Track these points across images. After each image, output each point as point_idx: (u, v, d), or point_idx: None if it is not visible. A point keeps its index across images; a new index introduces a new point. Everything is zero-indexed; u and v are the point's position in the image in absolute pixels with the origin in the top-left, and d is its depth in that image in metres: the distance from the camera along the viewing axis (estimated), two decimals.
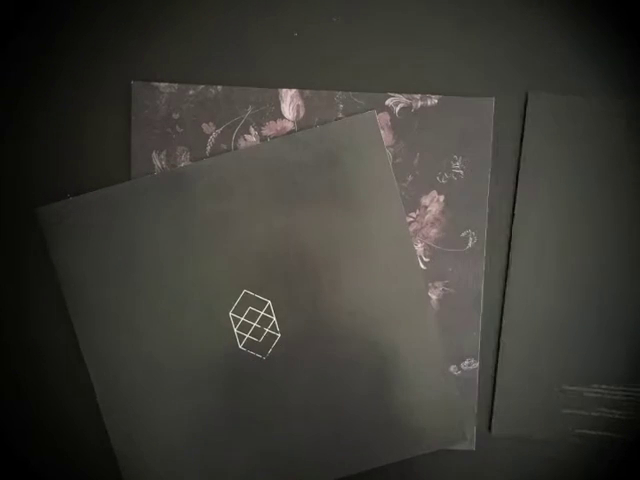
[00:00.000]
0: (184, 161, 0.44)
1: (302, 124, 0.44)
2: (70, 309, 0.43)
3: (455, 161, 0.44)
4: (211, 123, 0.44)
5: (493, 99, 0.44)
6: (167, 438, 0.43)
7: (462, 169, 0.44)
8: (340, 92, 0.44)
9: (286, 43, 0.45)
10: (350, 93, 0.44)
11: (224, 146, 0.44)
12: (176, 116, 0.44)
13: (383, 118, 0.44)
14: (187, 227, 0.43)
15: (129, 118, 0.44)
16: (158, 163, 0.44)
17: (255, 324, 0.43)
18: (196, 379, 0.43)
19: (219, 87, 0.44)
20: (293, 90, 0.44)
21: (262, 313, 0.44)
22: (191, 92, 0.44)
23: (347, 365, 0.43)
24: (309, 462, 0.44)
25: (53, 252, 0.43)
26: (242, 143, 0.44)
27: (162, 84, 0.44)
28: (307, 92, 0.44)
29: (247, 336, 0.44)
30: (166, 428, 0.43)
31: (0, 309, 0.45)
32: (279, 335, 0.44)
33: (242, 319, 0.44)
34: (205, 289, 0.43)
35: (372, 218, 0.44)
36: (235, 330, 0.44)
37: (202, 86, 0.44)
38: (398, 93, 0.44)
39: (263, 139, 0.44)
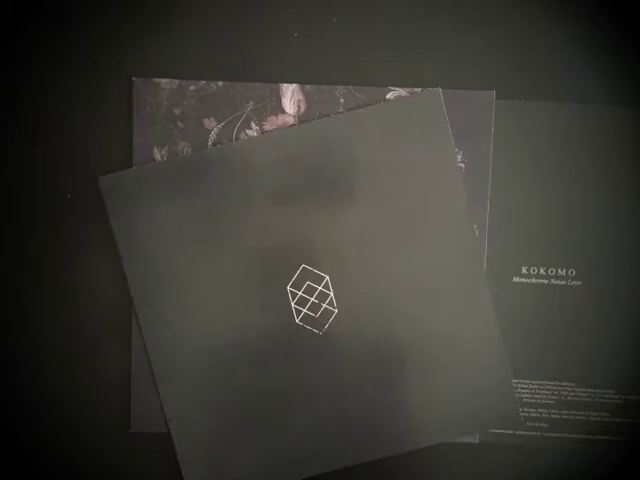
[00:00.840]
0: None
1: (303, 119, 0.44)
2: (130, 282, 0.44)
3: (456, 154, 0.44)
4: (212, 118, 0.44)
5: (494, 92, 0.44)
6: (222, 411, 0.44)
7: (464, 162, 0.44)
8: (341, 86, 0.44)
9: (286, 41, 0.45)
10: (351, 87, 0.44)
11: (225, 141, 0.44)
12: (177, 112, 0.44)
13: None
14: (248, 200, 0.44)
15: (131, 114, 0.44)
16: (160, 159, 0.44)
17: (313, 299, 0.43)
18: (253, 352, 0.43)
19: (220, 82, 0.44)
20: (294, 85, 0.44)
21: (320, 288, 0.44)
22: (192, 88, 0.44)
23: (403, 343, 0.43)
24: (362, 438, 0.44)
25: (114, 222, 0.44)
26: (244, 138, 0.44)
27: (163, 80, 0.44)
28: (308, 87, 0.44)
29: (304, 311, 0.44)
30: (221, 401, 0.44)
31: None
32: (336, 311, 0.44)
33: (300, 294, 0.44)
34: (263, 262, 0.44)
35: (434, 196, 0.44)
36: (292, 305, 0.44)
37: (203, 82, 0.44)
38: (399, 87, 0.44)
39: (265, 134, 0.44)
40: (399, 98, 0.44)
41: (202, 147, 0.44)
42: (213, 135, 0.44)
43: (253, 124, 0.44)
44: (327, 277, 0.44)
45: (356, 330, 0.44)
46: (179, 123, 0.44)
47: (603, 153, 0.44)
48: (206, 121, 0.44)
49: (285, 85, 0.44)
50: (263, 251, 0.44)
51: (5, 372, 0.45)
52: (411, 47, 0.44)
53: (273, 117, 0.44)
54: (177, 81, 0.44)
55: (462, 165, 0.44)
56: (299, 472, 0.44)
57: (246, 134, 0.44)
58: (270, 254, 0.44)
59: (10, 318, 0.45)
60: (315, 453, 0.44)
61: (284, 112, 0.44)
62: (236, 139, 0.44)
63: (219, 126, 0.44)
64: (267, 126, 0.44)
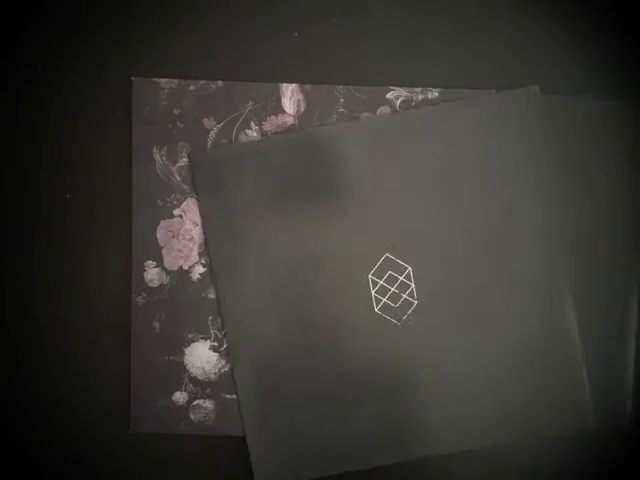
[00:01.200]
0: (185, 156, 0.44)
1: (303, 118, 0.44)
2: (213, 264, 0.44)
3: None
4: (212, 118, 0.44)
5: (493, 91, 0.44)
6: (294, 394, 0.43)
7: None
8: (341, 86, 0.44)
9: (286, 41, 0.45)
10: (351, 87, 0.44)
11: (225, 141, 0.44)
12: (177, 112, 0.44)
13: (384, 112, 0.44)
14: (336, 184, 0.43)
15: (130, 114, 0.44)
16: (159, 159, 0.44)
17: (393, 289, 0.43)
18: (330, 337, 0.43)
19: (219, 82, 0.44)
20: (294, 85, 0.44)
21: (401, 279, 0.43)
22: (192, 87, 0.44)
23: (481, 341, 0.43)
24: (432, 431, 0.43)
25: (202, 197, 0.44)
26: (243, 138, 0.44)
27: (163, 80, 0.44)
28: (307, 87, 0.44)
29: (384, 300, 0.43)
30: (294, 384, 0.43)
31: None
32: (416, 302, 0.43)
33: (381, 282, 0.43)
34: (348, 248, 0.43)
35: (523, 194, 0.43)
36: (372, 293, 0.43)
37: (203, 81, 0.44)
38: (399, 87, 0.44)
39: (264, 134, 0.44)
40: (497, 93, 0.43)
41: (202, 147, 0.44)
42: (212, 135, 0.44)
43: (253, 124, 0.44)
44: (410, 268, 0.43)
45: (434, 323, 0.43)
46: (178, 123, 0.44)
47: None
48: (206, 121, 0.44)
49: (285, 85, 0.44)
50: (348, 236, 0.43)
51: (5, 372, 0.45)
52: (411, 47, 0.45)
53: (273, 117, 0.44)
54: (177, 81, 0.44)
55: None
56: (361, 462, 0.43)
57: (246, 134, 0.44)
58: (355, 240, 0.43)
59: (10, 318, 0.45)
60: (380, 444, 0.43)
61: (284, 112, 0.44)
62: (235, 139, 0.44)
63: (218, 126, 0.44)
64: (267, 126, 0.44)
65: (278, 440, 0.43)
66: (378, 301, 0.43)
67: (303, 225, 0.43)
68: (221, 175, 0.43)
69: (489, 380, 0.43)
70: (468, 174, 0.43)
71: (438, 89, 0.44)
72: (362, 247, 0.43)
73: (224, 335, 0.44)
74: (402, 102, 0.44)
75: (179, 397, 0.44)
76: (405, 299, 0.43)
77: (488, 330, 0.43)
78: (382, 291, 0.43)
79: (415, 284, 0.43)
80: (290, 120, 0.44)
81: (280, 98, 0.44)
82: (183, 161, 0.44)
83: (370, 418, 0.43)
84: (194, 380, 0.44)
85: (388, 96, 0.44)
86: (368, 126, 0.43)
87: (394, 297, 0.43)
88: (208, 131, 0.44)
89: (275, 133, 0.44)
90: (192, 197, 0.44)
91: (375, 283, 0.43)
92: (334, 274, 0.43)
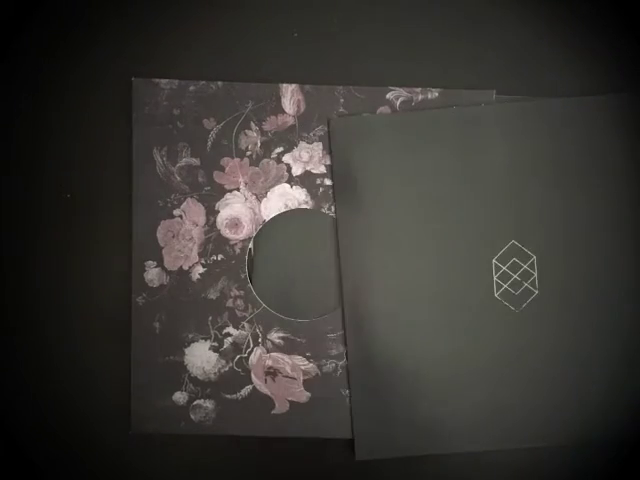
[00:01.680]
0: (185, 157, 0.44)
1: (303, 119, 0.44)
2: (339, 225, 0.44)
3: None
4: (212, 119, 0.44)
5: (494, 91, 0.44)
6: (402, 370, 0.43)
7: None
8: (341, 87, 0.44)
9: (286, 41, 0.45)
10: (351, 87, 0.44)
11: (225, 142, 0.44)
12: (177, 112, 0.44)
13: (384, 112, 0.44)
14: (470, 166, 0.43)
15: (130, 114, 0.44)
16: (159, 159, 0.44)
17: (515, 276, 0.43)
18: (445, 317, 0.43)
19: (219, 83, 0.44)
20: (293, 85, 0.44)
21: (525, 267, 0.43)
22: (192, 88, 0.44)
23: (596, 336, 0.43)
24: (530, 423, 0.43)
25: (335, 164, 0.44)
26: (243, 138, 0.44)
27: (163, 80, 0.44)
28: (307, 87, 0.44)
29: (505, 286, 0.43)
30: (405, 360, 0.43)
31: None
32: (536, 292, 0.43)
33: (504, 268, 0.43)
34: (475, 230, 0.43)
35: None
36: (494, 278, 0.43)
37: (203, 82, 0.44)
38: (399, 87, 0.44)
39: (264, 134, 0.44)
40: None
41: (202, 147, 0.44)
42: (212, 135, 0.44)
43: (252, 124, 0.44)
44: (534, 257, 0.43)
45: (552, 315, 0.43)
46: (178, 123, 0.44)
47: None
48: (206, 121, 0.44)
49: (285, 85, 0.44)
50: (477, 219, 0.43)
51: (5, 372, 0.45)
52: (411, 47, 0.45)
53: (273, 117, 0.44)
54: (177, 81, 0.44)
55: None
56: (462, 444, 0.43)
57: (246, 134, 0.44)
58: (483, 223, 0.43)
59: (10, 318, 0.45)
60: (479, 430, 0.43)
61: (284, 112, 0.44)
62: (236, 139, 0.44)
63: (218, 126, 0.44)
64: (267, 126, 0.44)
65: (383, 414, 0.43)
66: (499, 287, 0.43)
67: (432, 205, 0.43)
68: (357, 144, 0.44)
69: (604, 375, 0.43)
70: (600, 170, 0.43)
71: (438, 89, 0.44)
72: (491, 230, 0.43)
73: (341, 305, 0.44)
74: (402, 102, 0.44)
75: (179, 397, 0.44)
76: (526, 288, 0.43)
77: (600, 335, 0.43)
78: (504, 277, 0.43)
79: (538, 274, 0.43)
80: (290, 120, 0.44)
81: (280, 98, 0.44)
82: (183, 161, 0.44)
83: (473, 404, 0.43)
84: (194, 380, 0.44)
85: (388, 96, 0.44)
86: (511, 110, 0.43)
87: (515, 284, 0.43)
88: (208, 131, 0.44)
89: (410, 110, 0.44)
90: (192, 197, 0.44)
91: (498, 268, 0.43)
92: (458, 255, 0.43)
